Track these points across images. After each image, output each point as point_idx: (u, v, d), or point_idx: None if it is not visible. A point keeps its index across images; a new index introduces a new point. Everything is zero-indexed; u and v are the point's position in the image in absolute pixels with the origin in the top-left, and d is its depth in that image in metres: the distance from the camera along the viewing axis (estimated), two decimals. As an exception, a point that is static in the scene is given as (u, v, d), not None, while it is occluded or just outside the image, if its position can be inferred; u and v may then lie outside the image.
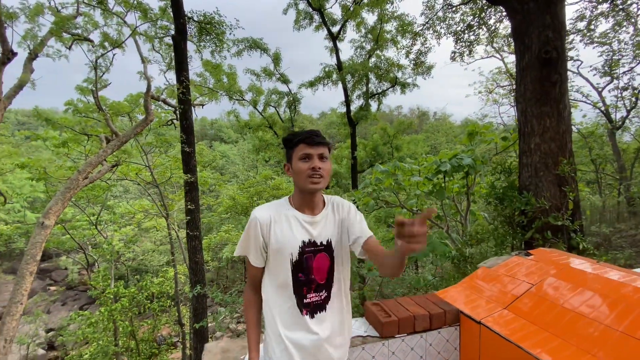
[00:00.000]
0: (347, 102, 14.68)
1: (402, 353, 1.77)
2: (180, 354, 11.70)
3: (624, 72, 9.90)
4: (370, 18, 32.44)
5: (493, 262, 2.23)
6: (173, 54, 8.56)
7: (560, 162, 3.47)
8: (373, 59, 14.36)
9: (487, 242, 3.97)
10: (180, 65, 8.19)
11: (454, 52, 8.30)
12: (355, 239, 1.25)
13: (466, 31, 7.88)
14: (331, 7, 13.82)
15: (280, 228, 1.23)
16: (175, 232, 11.77)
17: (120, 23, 7.87)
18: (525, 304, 1.74)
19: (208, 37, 9.68)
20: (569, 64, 10.34)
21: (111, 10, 7.54)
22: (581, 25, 9.21)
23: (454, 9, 7.70)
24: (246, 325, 1.33)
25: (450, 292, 2.09)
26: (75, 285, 21.50)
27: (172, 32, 8.35)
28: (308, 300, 1.23)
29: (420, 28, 8.69)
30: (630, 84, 9.82)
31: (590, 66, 10.26)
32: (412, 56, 9.61)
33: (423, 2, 7.96)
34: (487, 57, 12.56)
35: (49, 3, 6.75)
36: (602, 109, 10.67)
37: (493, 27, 8.36)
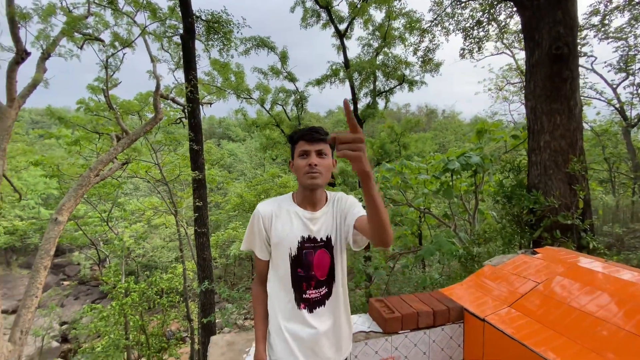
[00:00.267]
0: (354, 100, 14.61)
1: (405, 349, 1.77)
2: (188, 349, 11.88)
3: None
4: (378, 15, 32.30)
5: (499, 260, 2.22)
6: (181, 52, 8.65)
7: (570, 160, 3.41)
8: (380, 57, 14.26)
9: (495, 242, 3.93)
10: (189, 64, 8.27)
11: (463, 49, 8.18)
12: (349, 224, 1.24)
13: (475, 27, 7.76)
14: (338, 5, 13.76)
15: (281, 223, 1.26)
16: (184, 229, 11.94)
17: (130, 23, 7.98)
18: (531, 302, 1.72)
19: (216, 36, 9.75)
20: (583, 60, 10.12)
21: (121, 10, 7.65)
22: (595, 20, 8.99)
23: (462, 4, 7.59)
24: (254, 318, 1.36)
25: (455, 289, 2.09)
26: (87, 280, 22.00)
27: (181, 31, 8.43)
28: (307, 296, 1.24)
29: (429, 25, 8.57)
30: (646, 80, 9.57)
31: (605, 62, 10.03)
32: (420, 53, 9.49)
33: (431, -1, 7.87)
34: (497, 54, 12.35)
35: (61, 3, 6.88)
36: (617, 106, 10.41)
37: (503, 23, 8.19)
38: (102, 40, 7.85)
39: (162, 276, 11.90)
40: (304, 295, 1.24)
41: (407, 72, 13.99)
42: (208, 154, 15.76)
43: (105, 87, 7.95)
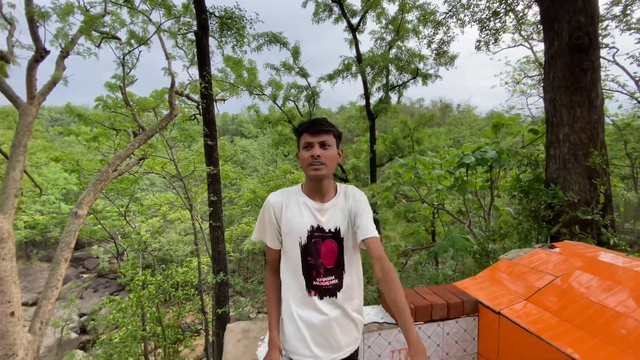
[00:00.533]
0: (367, 95, 14.50)
1: (419, 341, 1.77)
2: (203, 341, 12.16)
3: (664, 60, 9.21)
4: (391, 8, 31.75)
5: (515, 254, 2.18)
6: (195, 49, 8.76)
7: (590, 154, 3.30)
8: (393, 50, 14.07)
9: (510, 238, 3.85)
10: (203, 60, 8.37)
11: (479, 41, 7.99)
12: (357, 231, 1.26)
13: (492, 18, 7.57)
14: (351, -2, 13.64)
15: (291, 212, 1.29)
16: (199, 223, 12.15)
17: (145, 21, 8.10)
18: (548, 296, 1.70)
19: (229, 32, 9.82)
20: (604, 52, 9.72)
21: (137, 9, 7.78)
22: (617, 10, 8.62)
23: (479, -5, 7.42)
24: (267, 306, 1.40)
25: (469, 282, 2.07)
26: (105, 273, 22.72)
27: (195, 28, 8.53)
28: (317, 283, 1.27)
29: (443, 16, 8.42)
30: (672, 72, 9.13)
31: (627, 54, 9.60)
32: (434, 46, 9.35)
33: (446, -10, 7.70)
34: (515, 46, 11.97)
35: (79, 2, 7.03)
36: (640, 99, 9.99)
37: (521, 14, 7.97)
38: (118, 39, 8.00)
39: (178, 269, 12.19)
40: (314, 282, 1.27)
41: (420, 65, 13.79)
42: (222, 150, 15.94)
43: (122, 85, 8.11)
